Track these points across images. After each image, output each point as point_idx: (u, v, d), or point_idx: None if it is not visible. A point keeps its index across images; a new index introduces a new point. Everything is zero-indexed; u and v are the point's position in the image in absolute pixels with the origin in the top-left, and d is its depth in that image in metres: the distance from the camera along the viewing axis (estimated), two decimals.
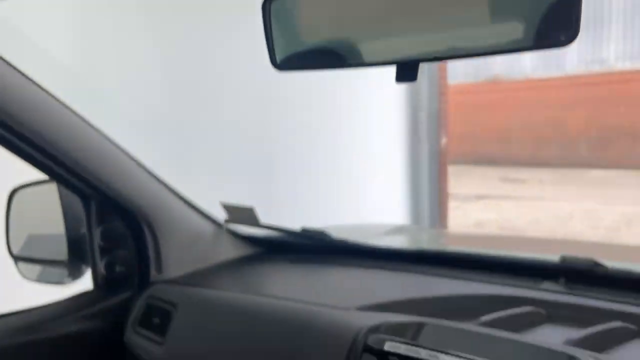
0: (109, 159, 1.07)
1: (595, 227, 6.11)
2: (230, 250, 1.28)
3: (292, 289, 1.14)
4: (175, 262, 1.17)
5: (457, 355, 0.74)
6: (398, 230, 1.80)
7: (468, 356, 0.73)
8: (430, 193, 4.05)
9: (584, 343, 0.76)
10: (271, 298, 1.04)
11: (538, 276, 0.98)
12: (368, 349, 0.81)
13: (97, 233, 1.12)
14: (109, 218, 1.13)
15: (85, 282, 1.16)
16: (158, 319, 1.07)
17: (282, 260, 1.27)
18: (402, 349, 0.79)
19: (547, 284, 0.96)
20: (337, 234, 1.25)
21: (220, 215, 1.28)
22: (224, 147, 2.79)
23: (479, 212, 7.05)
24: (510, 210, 7.05)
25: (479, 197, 7.77)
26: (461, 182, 7.42)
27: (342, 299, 1.01)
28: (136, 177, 1.11)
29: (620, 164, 8.90)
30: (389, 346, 0.80)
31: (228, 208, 1.28)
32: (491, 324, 0.85)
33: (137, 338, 1.09)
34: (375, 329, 0.84)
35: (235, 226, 1.29)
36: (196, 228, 1.22)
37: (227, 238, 1.28)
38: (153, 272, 1.14)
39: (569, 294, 0.92)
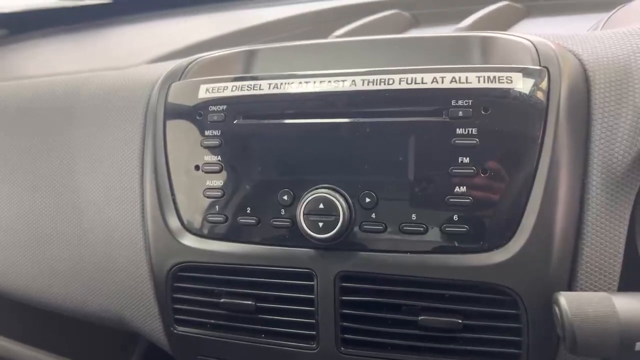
0: None
1: None
2: None
3: (54, 64, 0.84)
4: None
5: (311, 76, 0.53)
6: None
7: (330, 72, 0.53)
8: None
9: (475, 27, 0.57)
10: (32, 79, 0.76)
11: None
12: (171, 107, 0.60)
13: None
14: None
15: None
16: None
17: (34, 37, 0.90)
18: (229, 88, 0.55)
19: None
20: None
21: None
22: None
23: None
24: None
25: None
26: None
27: (123, 59, 0.76)
28: None
29: None
30: (206, 90, 0.56)
31: None
32: (350, 34, 0.62)
33: None
34: (181, 70, 0.61)
35: None
36: None
37: None
38: None
39: None
